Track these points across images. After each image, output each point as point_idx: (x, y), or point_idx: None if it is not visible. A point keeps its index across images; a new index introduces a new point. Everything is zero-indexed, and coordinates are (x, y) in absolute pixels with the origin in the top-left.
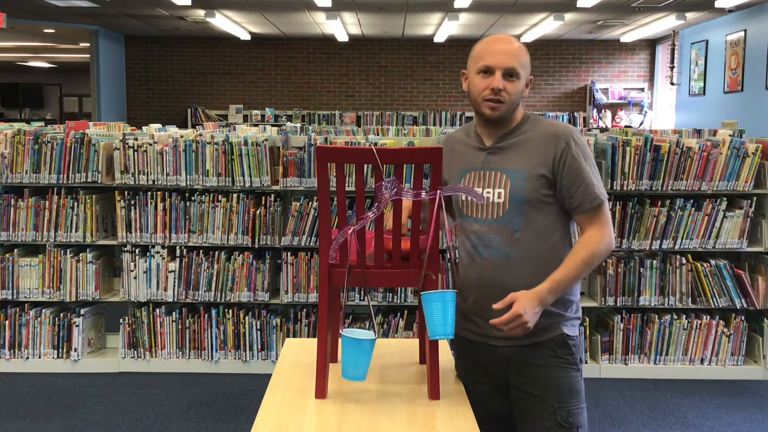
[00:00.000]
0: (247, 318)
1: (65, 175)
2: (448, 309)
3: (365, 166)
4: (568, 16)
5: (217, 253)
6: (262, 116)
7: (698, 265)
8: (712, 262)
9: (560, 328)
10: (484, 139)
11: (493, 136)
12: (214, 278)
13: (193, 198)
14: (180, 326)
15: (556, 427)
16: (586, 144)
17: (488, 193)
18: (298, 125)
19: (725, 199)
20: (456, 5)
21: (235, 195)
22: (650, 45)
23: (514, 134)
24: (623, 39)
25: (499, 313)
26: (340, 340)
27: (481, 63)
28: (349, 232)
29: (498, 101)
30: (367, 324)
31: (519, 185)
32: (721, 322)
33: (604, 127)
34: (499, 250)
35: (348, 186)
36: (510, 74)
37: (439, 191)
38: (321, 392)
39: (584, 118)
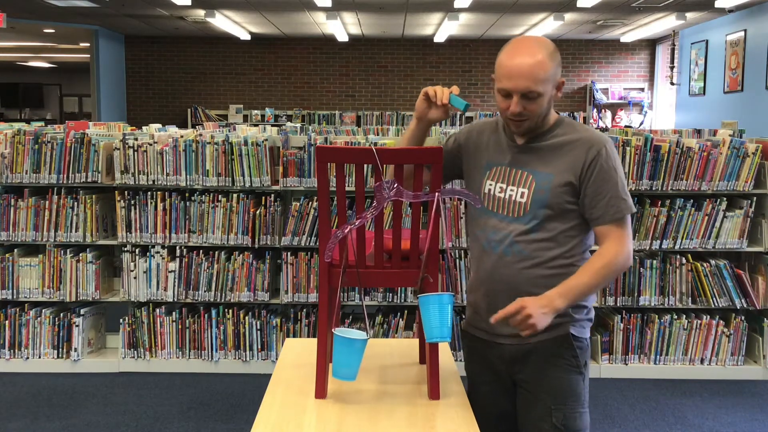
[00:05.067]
0: (247, 318)
1: (65, 175)
2: (446, 312)
3: (365, 166)
4: (568, 16)
5: (217, 253)
6: (262, 116)
7: (698, 265)
8: (712, 262)
9: (567, 328)
10: (516, 137)
11: (525, 135)
12: (214, 278)
13: (193, 198)
14: (180, 326)
15: (551, 429)
16: (617, 157)
17: (512, 191)
18: (298, 125)
19: (725, 199)
20: (456, 5)
21: (235, 195)
22: (650, 45)
23: (546, 136)
24: (623, 39)
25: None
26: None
27: (499, 84)
28: (346, 230)
29: (522, 119)
30: (367, 324)
31: (544, 188)
32: (721, 322)
33: (604, 127)
34: (512, 247)
35: (348, 186)
36: (528, 96)
37: (437, 193)
38: (321, 392)
39: (584, 118)
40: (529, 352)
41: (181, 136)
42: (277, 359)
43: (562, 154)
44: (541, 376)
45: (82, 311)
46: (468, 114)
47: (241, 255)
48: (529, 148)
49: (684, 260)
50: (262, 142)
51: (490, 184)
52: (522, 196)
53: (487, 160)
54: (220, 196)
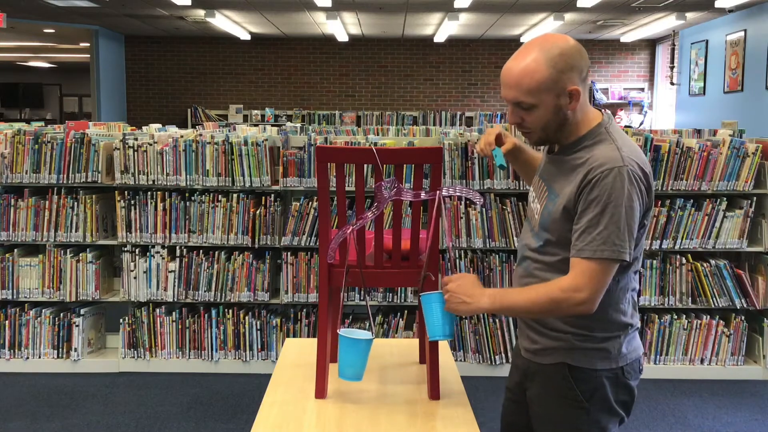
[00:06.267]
0: (247, 318)
1: (65, 175)
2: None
3: (365, 166)
4: (568, 16)
5: (217, 253)
6: (262, 116)
7: (698, 265)
8: (712, 262)
9: (561, 357)
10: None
11: (553, 144)
12: (214, 278)
13: (193, 198)
14: (180, 326)
15: None
16: (622, 189)
17: (535, 203)
18: (298, 125)
19: (725, 199)
20: (456, 5)
21: (235, 195)
22: (650, 45)
23: (572, 149)
24: (623, 39)
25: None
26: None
27: None
28: (348, 231)
29: (526, 131)
30: (367, 324)
31: (549, 209)
32: (721, 322)
33: None
34: (523, 261)
35: (348, 186)
36: (521, 106)
37: (438, 192)
38: (321, 392)
39: None
40: (535, 373)
41: (181, 136)
42: (277, 359)
43: (574, 174)
44: (540, 401)
45: (82, 311)
46: (468, 113)
47: (241, 255)
48: (555, 160)
49: (684, 260)
50: (262, 142)
51: (531, 189)
52: (536, 212)
53: (539, 164)
54: (220, 196)
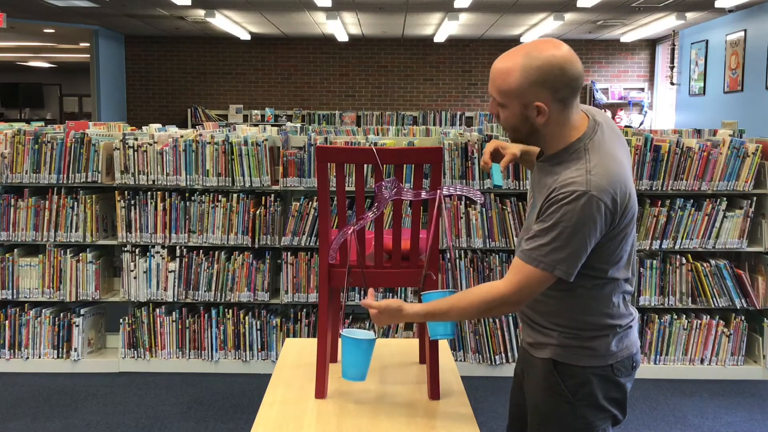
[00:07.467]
0: (247, 318)
1: (65, 175)
2: None
3: (365, 166)
4: (568, 16)
5: (217, 253)
6: (262, 116)
7: (698, 265)
8: (712, 262)
9: (548, 352)
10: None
11: (543, 150)
12: (214, 278)
13: (193, 198)
14: (180, 326)
15: None
16: (579, 214)
17: (528, 206)
18: (298, 125)
19: (725, 199)
20: (456, 5)
21: (235, 195)
22: (650, 45)
23: (551, 161)
24: (623, 39)
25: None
26: (340, 340)
27: None
28: (349, 232)
29: (504, 127)
30: (368, 324)
31: (530, 218)
32: (721, 322)
33: None
34: None
35: (348, 186)
36: (498, 102)
37: (438, 191)
38: (321, 392)
39: None
40: (530, 365)
41: (181, 136)
42: (277, 359)
43: (546, 189)
44: (531, 393)
45: (82, 311)
46: (468, 113)
47: (241, 255)
48: (540, 168)
49: (684, 260)
50: (262, 142)
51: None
52: (527, 217)
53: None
54: (220, 196)
